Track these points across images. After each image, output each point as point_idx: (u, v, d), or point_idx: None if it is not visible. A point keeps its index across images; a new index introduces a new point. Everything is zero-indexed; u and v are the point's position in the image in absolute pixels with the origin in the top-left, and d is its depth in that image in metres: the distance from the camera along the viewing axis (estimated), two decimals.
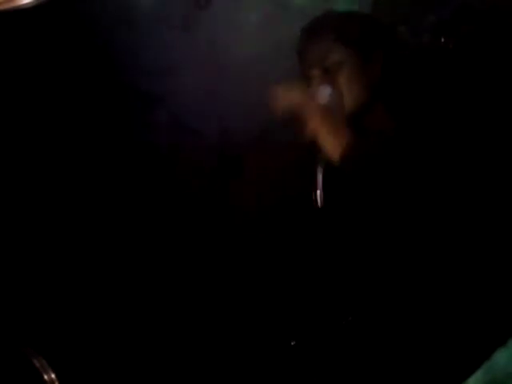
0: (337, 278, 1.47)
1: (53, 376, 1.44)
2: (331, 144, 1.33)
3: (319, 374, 1.43)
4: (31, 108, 1.78)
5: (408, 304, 1.36)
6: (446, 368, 1.29)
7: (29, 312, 1.69)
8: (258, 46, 1.76)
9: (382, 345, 1.37)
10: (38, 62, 1.76)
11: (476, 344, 1.26)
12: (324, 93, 1.43)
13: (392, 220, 1.37)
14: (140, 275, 1.79)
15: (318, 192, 1.40)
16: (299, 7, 1.78)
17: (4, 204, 1.74)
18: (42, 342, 1.53)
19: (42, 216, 1.78)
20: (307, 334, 1.48)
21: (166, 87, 1.81)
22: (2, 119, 1.75)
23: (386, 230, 1.40)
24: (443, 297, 1.33)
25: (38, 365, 1.43)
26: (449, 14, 1.67)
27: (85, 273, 1.77)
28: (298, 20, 1.63)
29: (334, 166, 1.34)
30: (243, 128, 1.79)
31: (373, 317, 1.40)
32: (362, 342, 1.40)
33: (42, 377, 1.43)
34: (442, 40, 1.66)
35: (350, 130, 1.36)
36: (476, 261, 1.31)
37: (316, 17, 1.54)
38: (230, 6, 1.75)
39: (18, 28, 1.68)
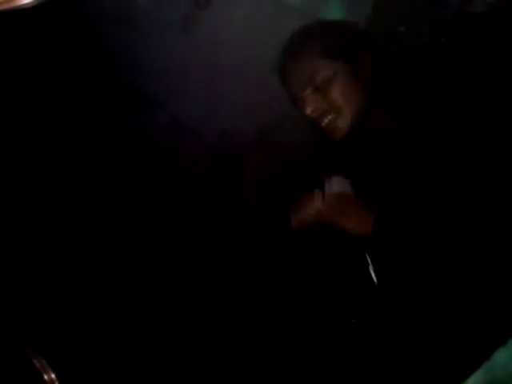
0: (339, 279, 1.48)
1: (53, 376, 1.44)
2: (361, 229, 1.35)
3: (323, 375, 1.43)
4: (31, 108, 1.78)
5: (408, 304, 1.36)
6: (446, 368, 1.29)
7: (29, 312, 1.69)
8: (258, 46, 1.76)
9: (383, 345, 1.37)
10: (38, 62, 1.76)
11: (476, 344, 1.26)
12: (333, 182, 1.43)
13: (396, 220, 1.37)
14: (140, 275, 1.79)
15: (371, 270, 1.41)
16: (299, 7, 1.78)
17: (4, 204, 1.74)
18: (42, 342, 1.53)
19: (42, 216, 1.78)
20: (311, 335, 1.48)
21: (165, 87, 1.81)
22: (2, 119, 1.75)
23: (389, 230, 1.40)
24: (444, 297, 1.33)
25: (37, 365, 1.43)
26: (449, 14, 1.67)
27: (85, 273, 1.77)
28: (297, 20, 1.63)
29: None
30: (243, 128, 1.79)
31: (374, 318, 1.40)
32: (363, 342, 1.40)
33: (42, 377, 1.43)
34: (442, 40, 1.66)
35: (368, 205, 1.37)
36: (476, 261, 1.31)
37: (291, 37, 1.51)
38: (230, 5, 1.75)
39: (18, 28, 1.68)
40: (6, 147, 1.76)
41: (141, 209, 1.84)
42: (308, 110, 1.44)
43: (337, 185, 1.42)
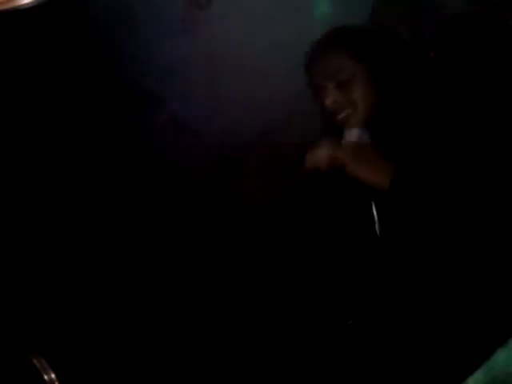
0: (338, 280, 1.48)
1: (53, 376, 1.44)
2: (378, 179, 1.36)
3: (321, 375, 1.43)
4: (31, 108, 1.78)
5: (408, 304, 1.36)
6: (445, 368, 1.29)
7: (29, 312, 1.69)
8: (258, 46, 1.76)
9: (383, 344, 1.37)
10: (38, 62, 1.76)
11: (476, 344, 1.26)
12: (352, 133, 1.48)
13: (399, 222, 1.37)
14: (140, 275, 1.79)
15: (376, 223, 1.44)
16: (298, 7, 1.78)
17: (4, 204, 1.74)
18: (42, 342, 1.53)
19: (41, 216, 1.78)
20: (309, 336, 1.48)
21: (166, 87, 1.81)
22: (2, 119, 1.75)
23: (392, 232, 1.40)
24: (443, 297, 1.33)
25: (38, 365, 1.43)
26: (448, 14, 1.67)
27: (84, 273, 1.77)
28: (297, 20, 1.63)
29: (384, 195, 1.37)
30: (243, 128, 1.79)
31: (373, 317, 1.40)
32: (362, 342, 1.40)
33: (42, 377, 1.43)
34: (442, 40, 1.66)
35: (387, 158, 1.39)
36: (476, 261, 1.32)
37: (327, 31, 1.57)
38: (230, 5, 1.75)
39: (18, 28, 1.68)
40: (5, 147, 1.76)
41: (141, 208, 1.84)
42: (328, 101, 1.51)
43: (356, 136, 1.48)
